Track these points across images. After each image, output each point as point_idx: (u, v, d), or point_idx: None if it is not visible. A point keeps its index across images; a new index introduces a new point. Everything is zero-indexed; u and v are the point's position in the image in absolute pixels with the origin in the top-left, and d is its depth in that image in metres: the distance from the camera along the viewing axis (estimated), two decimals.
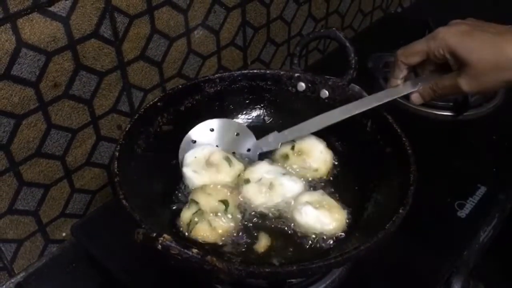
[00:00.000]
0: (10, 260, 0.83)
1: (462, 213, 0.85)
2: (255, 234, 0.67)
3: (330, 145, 0.79)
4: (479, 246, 0.85)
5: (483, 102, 1.07)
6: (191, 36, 0.94)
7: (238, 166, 0.75)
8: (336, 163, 0.79)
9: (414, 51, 0.72)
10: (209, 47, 0.99)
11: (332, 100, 0.81)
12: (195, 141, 0.79)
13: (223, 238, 0.66)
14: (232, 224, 0.67)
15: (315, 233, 0.67)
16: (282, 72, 0.84)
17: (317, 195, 0.71)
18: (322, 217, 0.67)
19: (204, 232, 0.65)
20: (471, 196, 0.87)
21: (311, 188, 0.75)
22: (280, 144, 0.77)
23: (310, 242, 0.67)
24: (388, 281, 0.76)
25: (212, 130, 0.80)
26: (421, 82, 0.74)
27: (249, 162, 0.78)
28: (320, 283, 0.71)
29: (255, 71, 0.84)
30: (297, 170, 0.77)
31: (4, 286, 0.83)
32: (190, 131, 0.79)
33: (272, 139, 0.78)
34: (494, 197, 0.88)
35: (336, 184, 0.76)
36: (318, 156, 0.77)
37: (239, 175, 0.74)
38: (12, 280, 0.84)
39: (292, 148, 0.78)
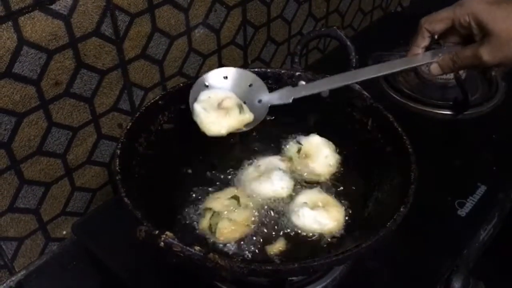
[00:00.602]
0: (11, 258, 0.83)
1: (462, 212, 0.85)
2: (273, 234, 0.68)
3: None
4: (479, 244, 0.85)
5: (483, 101, 1.07)
6: (192, 34, 0.94)
7: (248, 115, 0.75)
8: (339, 164, 0.78)
9: (439, 18, 0.72)
10: (209, 46, 0.99)
11: (333, 99, 0.81)
12: (207, 86, 0.78)
13: (247, 229, 0.66)
14: (248, 212, 0.68)
15: (314, 234, 0.67)
16: (283, 71, 0.84)
17: (314, 194, 0.71)
18: (319, 218, 0.68)
19: (227, 228, 0.65)
20: (471, 195, 0.87)
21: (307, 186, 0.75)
22: (292, 98, 0.76)
23: (310, 241, 0.67)
24: (388, 279, 0.76)
25: (226, 77, 0.79)
26: (442, 53, 0.72)
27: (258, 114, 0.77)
28: (321, 281, 0.71)
29: (255, 69, 0.84)
30: (299, 172, 0.77)
31: (4, 284, 0.83)
32: (204, 75, 0.78)
33: (285, 92, 0.77)
34: (494, 196, 0.88)
35: (337, 183, 0.76)
36: (322, 161, 0.77)
37: (246, 124, 0.75)
38: (13, 278, 0.84)
39: (298, 151, 0.77)
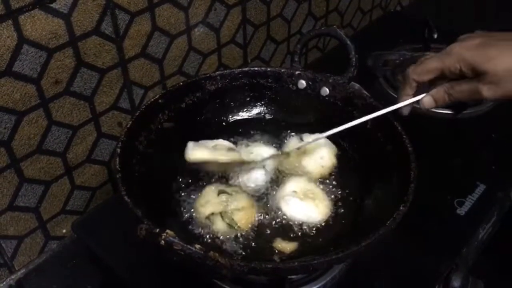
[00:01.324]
0: (11, 257, 0.83)
1: (461, 211, 0.85)
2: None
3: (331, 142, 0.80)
4: (478, 243, 0.86)
5: (482, 100, 1.07)
6: (192, 33, 0.94)
7: (237, 153, 0.75)
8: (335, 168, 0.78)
9: (427, 69, 0.70)
10: (209, 44, 0.99)
11: (333, 98, 0.81)
12: None
13: (256, 207, 0.69)
14: (244, 195, 0.70)
15: (300, 222, 0.69)
16: (282, 70, 0.84)
17: (303, 183, 0.72)
18: (308, 211, 0.69)
19: (243, 217, 0.67)
20: (470, 193, 0.87)
21: None
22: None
23: (296, 229, 0.68)
24: (388, 278, 0.76)
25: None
26: (433, 85, 0.71)
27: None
28: (320, 280, 0.71)
29: (255, 68, 0.84)
30: (289, 166, 0.77)
31: (4, 283, 0.84)
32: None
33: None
34: (493, 194, 0.88)
35: (336, 181, 0.76)
36: (316, 161, 0.76)
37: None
38: (13, 277, 0.84)
39: (298, 148, 0.77)
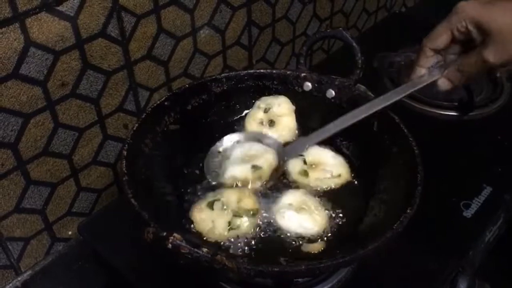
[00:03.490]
0: (17, 258, 0.83)
1: (468, 213, 0.85)
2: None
3: (336, 147, 0.79)
4: (484, 246, 0.85)
5: (488, 102, 1.07)
6: (197, 35, 0.94)
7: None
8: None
9: (439, 33, 0.71)
10: (214, 46, 0.99)
11: (339, 100, 0.81)
12: (220, 152, 0.78)
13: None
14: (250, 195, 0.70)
15: (297, 236, 0.67)
16: (288, 72, 0.84)
17: (299, 196, 0.70)
18: (303, 222, 0.67)
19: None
20: (477, 196, 0.87)
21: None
22: (307, 146, 0.76)
23: (293, 243, 0.66)
24: (394, 281, 0.76)
25: (238, 142, 0.79)
26: (446, 67, 0.72)
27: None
28: (326, 283, 0.71)
29: (261, 70, 0.84)
30: (320, 182, 0.74)
31: (10, 284, 0.84)
32: (217, 143, 0.78)
33: (298, 143, 0.77)
34: (499, 197, 0.88)
35: (342, 184, 0.75)
36: (333, 162, 0.76)
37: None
38: (19, 279, 0.85)
39: (305, 162, 0.76)
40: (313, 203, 0.70)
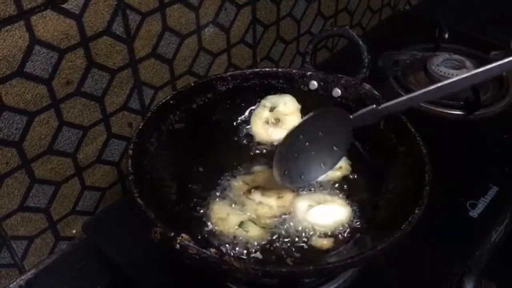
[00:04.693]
0: (21, 257, 0.83)
1: (474, 213, 0.84)
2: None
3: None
4: (491, 246, 0.85)
5: (494, 101, 1.06)
6: (202, 33, 0.93)
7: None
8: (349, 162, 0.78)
9: None
10: (219, 44, 0.99)
11: (345, 99, 0.80)
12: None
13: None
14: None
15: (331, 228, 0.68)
16: (294, 71, 0.83)
17: (311, 195, 0.71)
18: (334, 211, 0.69)
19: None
20: (483, 195, 0.87)
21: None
22: (378, 119, 0.70)
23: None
24: (400, 281, 0.76)
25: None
26: None
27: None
28: (332, 282, 0.71)
29: (267, 69, 0.84)
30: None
31: (14, 283, 0.84)
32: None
33: (370, 113, 0.69)
34: (506, 196, 0.87)
35: (349, 184, 0.75)
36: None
37: None
38: (23, 277, 0.84)
39: None
40: (322, 196, 0.71)
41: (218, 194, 0.73)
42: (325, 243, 0.66)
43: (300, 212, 0.70)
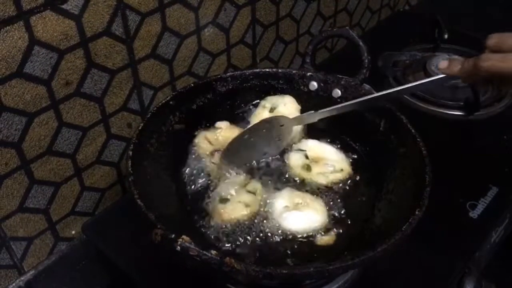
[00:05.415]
0: (20, 258, 0.82)
1: (474, 214, 0.84)
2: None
3: (344, 145, 0.79)
4: (491, 246, 0.85)
5: (493, 101, 1.07)
6: (202, 34, 0.93)
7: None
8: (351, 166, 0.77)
9: None
10: (219, 45, 0.98)
11: (345, 100, 0.80)
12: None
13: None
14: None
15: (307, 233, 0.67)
16: (294, 71, 0.83)
17: (289, 194, 0.71)
18: (309, 216, 0.68)
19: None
20: (483, 196, 0.87)
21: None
22: (317, 119, 0.76)
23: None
24: (400, 282, 0.76)
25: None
26: None
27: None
28: (332, 283, 0.71)
29: (266, 70, 0.84)
30: (323, 176, 0.75)
31: (14, 284, 0.83)
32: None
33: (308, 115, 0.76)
34: (506, 197, 0.87)
35: (349, 185, 0.75)
36: (335, 157, 0.76)
37: None
38: (22, 278, 0.84)
39: (307, 157, 0.76)
40: (302, 195, 0.70)
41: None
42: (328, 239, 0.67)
43: (275, 213, 0.69)
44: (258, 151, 0.76)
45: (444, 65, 0.64)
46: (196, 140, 0.78)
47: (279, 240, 0.66)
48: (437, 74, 0.67)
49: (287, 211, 0.68)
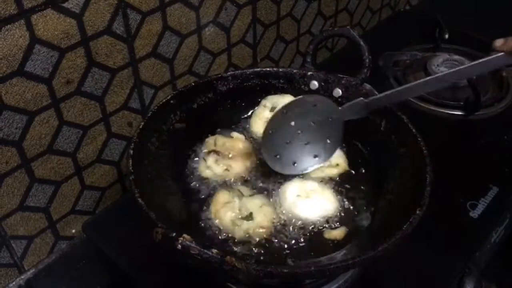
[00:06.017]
0: (20, 257, 0.82)
1: (474, 214, 0.84)
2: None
3: (345, 145, 0.79)
4: (491, 246, 0.85)
5: (494, 101, 1.07)
6: (202, 33, 0.93)
7: None
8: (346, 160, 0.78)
9: None
10: (219, 44, 0.98)
11: (345, 99, 0.80)
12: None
13: None
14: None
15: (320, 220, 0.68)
16: (295, 71, 0.83)
17: (298, 185, 0.71)
18: (322, 204, 0.69)
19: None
20: (483, 196, 0.87)
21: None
22: (367, 112, 0.70)
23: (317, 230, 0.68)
24: (400, 281, 0.76)
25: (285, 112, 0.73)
26: None
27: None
28: (333, 283, 0.70)
29: (267, 69, 0.84)
30: (318, 170, 0.75)
31: (14, 283, 0.83)
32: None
33: (358, 105, 0.70)
34: (506, 197, 0.87)
35: (350, 184, 0.75)
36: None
37: None
38: (22, 277, 0.84)
39: None
40: (315, 185, 0.71)
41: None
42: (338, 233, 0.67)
43: (287, 202, 0.70)
44: (307, 153, 0.73)
45: (500, 42, 0.63)
46: (206, 139, 0.78)
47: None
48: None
49: (300, 199, 0.69)
